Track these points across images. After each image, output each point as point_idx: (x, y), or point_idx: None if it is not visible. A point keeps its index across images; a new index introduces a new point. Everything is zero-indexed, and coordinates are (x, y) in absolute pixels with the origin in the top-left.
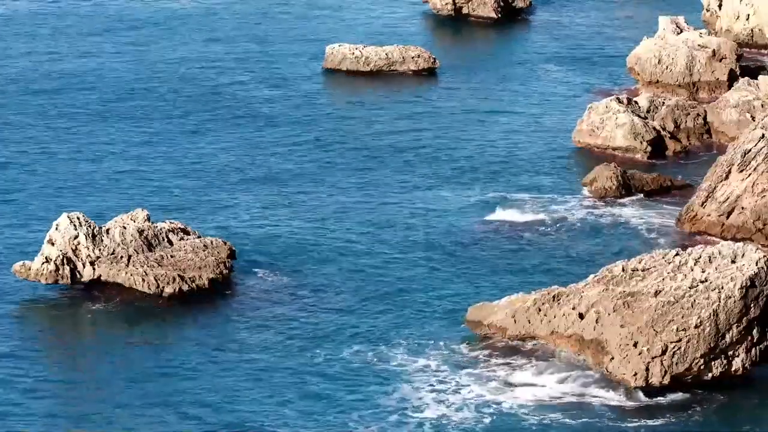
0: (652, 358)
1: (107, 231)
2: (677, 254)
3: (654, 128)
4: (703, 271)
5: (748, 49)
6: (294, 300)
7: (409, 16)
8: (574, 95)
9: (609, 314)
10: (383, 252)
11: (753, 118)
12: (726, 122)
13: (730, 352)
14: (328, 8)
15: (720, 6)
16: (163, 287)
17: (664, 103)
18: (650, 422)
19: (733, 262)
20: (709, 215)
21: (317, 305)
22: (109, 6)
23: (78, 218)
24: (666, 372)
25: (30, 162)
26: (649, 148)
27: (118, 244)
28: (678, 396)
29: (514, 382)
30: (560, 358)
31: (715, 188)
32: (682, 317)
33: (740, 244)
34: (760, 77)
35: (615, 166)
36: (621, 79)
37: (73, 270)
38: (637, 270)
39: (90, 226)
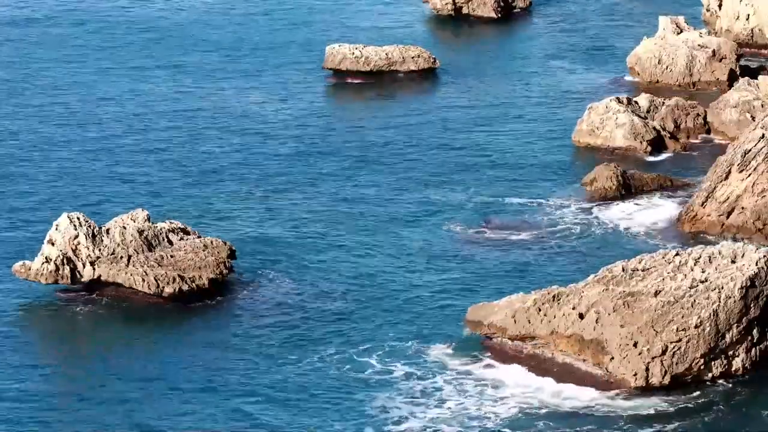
0: (652, 358)
1: (107, 231)
2: (677, 254)
3: (654, 128)
4: (703, 271)
5: (748, 49)
6: (292, 301)
7: (409, 16)
8: (574, 95)
9: (609, 314)
10: (382, 254)
11: (753, 118)
12: (726, 122)
13: (730, 352)
14: (329, 8)
15: (720, 6)
16: (163, 287)
17: (664, 103)
18: (649, 422)
19: (733, 262)
20: (709, 215)
21: (314, 308)
22: (104, 11)
23: (78, 218)
24: (666, 372)
25: (30, 162)
26: (649, 148)
27: (118, 244)
28: (678, 396)
29: (506, 390)
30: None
31: (715, 188)
32: (682, 317)
33: (740, 243)
34: (760, 77)
35: (615, 166)
36: (621, 79)
37: (73, 270)
38: (637, 270)
39: (90, 226)
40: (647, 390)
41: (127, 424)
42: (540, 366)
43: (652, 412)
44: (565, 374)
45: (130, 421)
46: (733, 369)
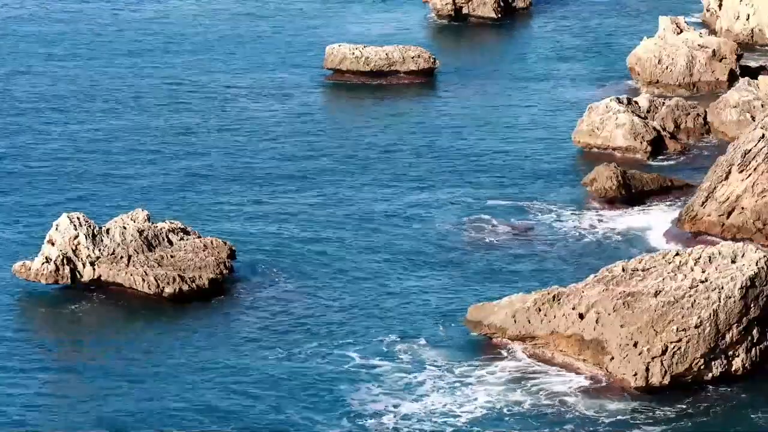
0: (652, 358)
1: (107, 231)
2: (677, 254)
3: (654, 128)
4: (703, 271)
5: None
6: (291, 302)
7: (409, 16)
8: (573, 95)
9: (609, 314)
10: (381, 255)
11: (753, 118)
12: (726, 122)
13: (730, 352)
14: (329, 8)
15: (720, 6)
16: (163, 287)
17: (664, 103)
18: (648, 423)
19: (733, 262)
20: (709, 215)
21: (313, 308)
22: (102, 11)
23: (78, 218)
24: (666, 372)
25: (30, 162)
26: (649, 148)
27: (118, 244)
28: (678, 396)
29: (490, 389)
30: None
31: (715, 188)
32: (682, 317)
33: (740, 243)
34: (760, 77)
35: (615, 166)
36: (621, 79)
37: (73, 270)
38: (637, 270)
39: (90, 226)
40: (646, 390)
41: (126, 425)
42: (531, 365)
43: (650, 412)
44: (557, 375)
45: (129, 421)
46: (733, 369)
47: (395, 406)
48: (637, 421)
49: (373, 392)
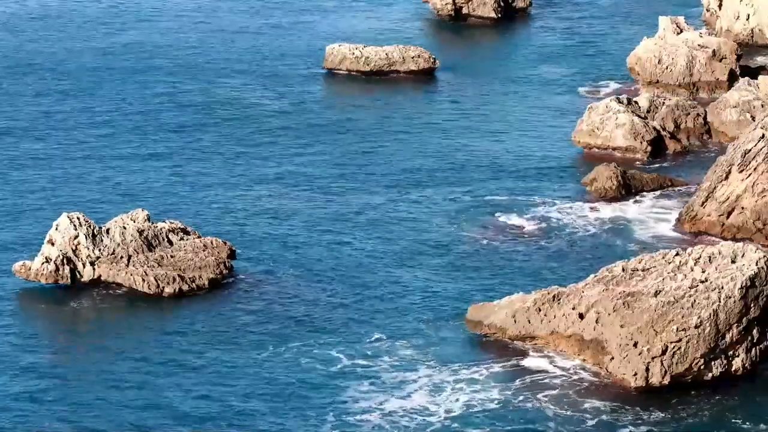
0: (652, 358)
1: (107, 231)
2: (677, 254)
3: (654, 128)
4: (703, 271)
5: (748, 49)
6: (290, 301)
7: (409, 16)
8: (574, 95)
9: (609, 314)
10: (381, 256)
11: (753, 118)
12: (726, 122)
13: (730, 352)
14: (329, 8)
15: (720, 6)
16: (163, 287)
17: (664, 103)
18: (648, 423)
19: (733, 262)
20: (709, 215)
21: (311, 308)
22: (96, 9)
23: (78, 218)
24: (666, 372)
25: (30, 162)
26: (649, 148)
27: (118, 244)
28: (678, 396)
29: (480, 388)
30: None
31: (715, 188)
32: (682, 317)
33: (740, 243)
34: (760, 77)
35: (615, 166)
36: (621, 78)
37: (73, 270)
38: (637, 270)
39: (90, 226)
40: (646, 390)
41: (125, 425)
42: (526, 365)
43: (649, 412)
44: (551, 374)
45: (127, 421)
46: (733, 369)
47: (381, 403)
48: (636, 421)
49: (363, 389)
